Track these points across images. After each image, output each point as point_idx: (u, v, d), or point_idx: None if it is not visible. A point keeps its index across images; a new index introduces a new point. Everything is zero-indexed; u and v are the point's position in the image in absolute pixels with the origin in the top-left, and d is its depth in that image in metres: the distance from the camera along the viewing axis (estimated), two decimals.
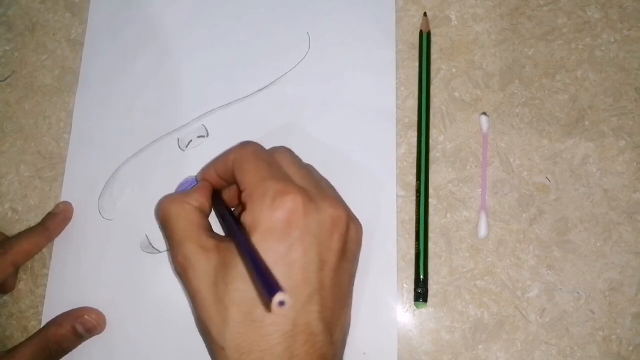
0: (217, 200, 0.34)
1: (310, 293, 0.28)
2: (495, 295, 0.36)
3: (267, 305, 0.25)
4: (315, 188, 0.31)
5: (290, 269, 0.28)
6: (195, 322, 0.33)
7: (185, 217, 0.31)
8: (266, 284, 0.25)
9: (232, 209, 0.35)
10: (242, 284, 0.28)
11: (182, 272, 0.30)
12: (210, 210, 0.34)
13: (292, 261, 0.28)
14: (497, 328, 0.35)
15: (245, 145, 0.32)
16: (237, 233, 0.29)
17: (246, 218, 0.29)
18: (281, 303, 0.24)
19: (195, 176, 0.36)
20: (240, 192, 0.31)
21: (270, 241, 0.28)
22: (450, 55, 0.40)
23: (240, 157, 0.31)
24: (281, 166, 0.31)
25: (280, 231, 0.28)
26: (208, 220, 0.33)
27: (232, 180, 0.32)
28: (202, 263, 0.30)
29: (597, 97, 0.39)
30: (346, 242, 0.30)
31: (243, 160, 0.31)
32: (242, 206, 0.31)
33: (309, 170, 0.33)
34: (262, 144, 0.38)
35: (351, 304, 0.32)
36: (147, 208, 0.38)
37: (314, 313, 0.28)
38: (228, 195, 0.35)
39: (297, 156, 0.34)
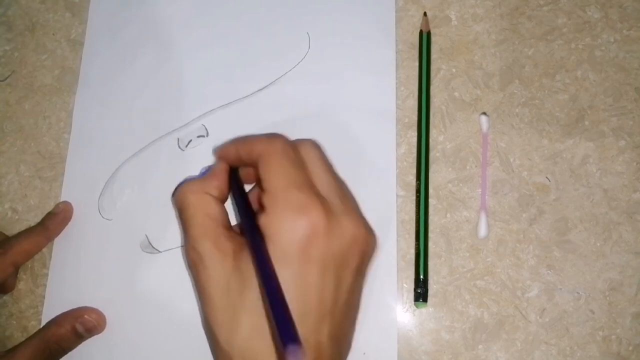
0: (234, 181, 0.32)
1: (324, 314, 0.27)
2: (495, 295, 0.36)
3: (280, 352, 0.24)
4: (339, 199, 0.30)
5: (306, 289, 0.27)
6: (202, 321, 0.33)
7: (203, 211, 0.30)
8: (284, 331, 0.24)
9: (247, 190, 0.34)
10: (257, 296, 0.27)
11: (193, 268, 0.30)
12: (229, 194, 0.33)
13: (308, 282, 0.27)
14: (497, 328, 0.35)
15: (274, 139, 0.31)
16: (256, 250, 0.28)
17: (265, 225, 0.28)
18: (294, 354, 0.23)
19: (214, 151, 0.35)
20: (258, 179, 0.30)
21: (288, 258, 0.27)
22: (450, 55, 0.40)
23: (268, 152, 0.30)
24: (307, 167, 0.30)
25: (300, 250, 0.27)
26: (227, 214, 0.32)
27: (251, 165, 0.31)
28: (218, 267, 0.29)
29: (597, 97, 0.39)
30: (364, 257, 0.30)
31: (271, 156, 0.30)
32: (261, 207, 0.29)
33: (334, 176, 0.31)
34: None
35: (358, 313, 0.31)
36: (147, 208, 0.38)
37: (325, 331, 0.27)
38: (244, 173, 0.34)
39: (324, 154, 0.32)
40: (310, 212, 0.28)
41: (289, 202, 0.28)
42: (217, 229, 0.30)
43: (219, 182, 0.32)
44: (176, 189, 0.35)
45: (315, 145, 0.32)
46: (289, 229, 0.27)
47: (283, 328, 0.24)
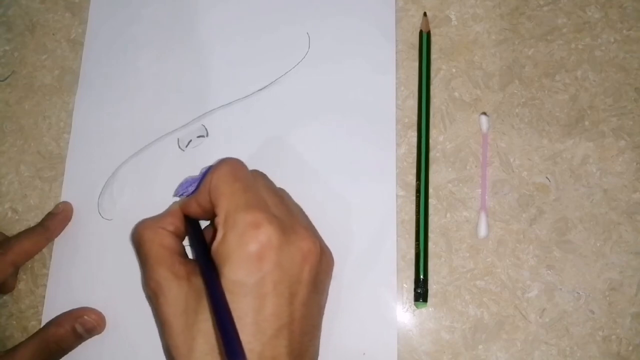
0: (191, 228, 0.33)
1: (279, 327, 0.28)
2: (495, 295, 0.36)
3: None
4: (288, 217, 0.30)
5: (260, 302, 0.27)
6: (163, 348, 0.33)
7: (159, 243, 0.31)
8: (230, 349, 0.25)
9: (204, 226, 0.35)
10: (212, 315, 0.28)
11: (153, 297, 0.30)
12: (186, 233, 0.33)
13: (262, 295, 0.28)
14: (497, 328, 0.35)
15: (223, 164, 0.31)
16: (207, 276, 0.29)
17: (217, 247, 0.29)
18: None
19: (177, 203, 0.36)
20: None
21: (242, 275, 0.28)
22: (450, 55, 0.40)
23: (217, 176, 0.30)
24: (258, 189, 0.31)
25: (252, 265, 0.28)
26: (182, 245, 0.33)
27: (212, 210, 0.31)
28: (173, 290, 0.30)
29: (597, 97, 0.39)
30: (317, 274, 0.30)
31: (219, 180, 0.30)
32: (213, 230, 0.30)
33: (282, 197, 0.32)
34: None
35: (320, 334, 0.32)
36: (147, 208, 0.38)
37: (281, 347, 0.28)
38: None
39: (270, 181, 0.33)
40: (260, 229, 0.28)
41: (238, 222, 0.28)
42: (171, 256, 0.31)
43: (174, 219, 0.33)
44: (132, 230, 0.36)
45: (263, 175, 0.33)
46: (240, 246, 0.28)
47: (228, 345, 0.25)
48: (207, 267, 0.29)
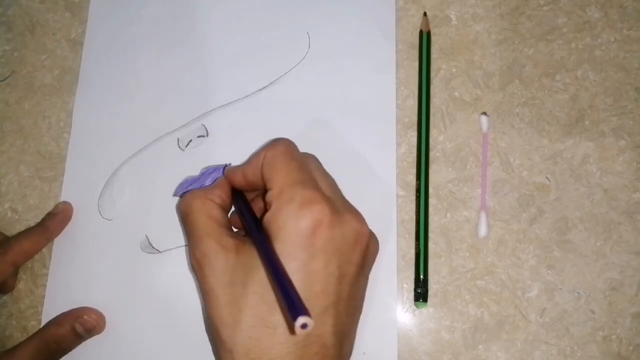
0: (239, 199, 0.33)
1: (327, 305, 0.28)
2: (495, 295, 0.36)
3: (291, 327, 0.24)
4: (340, 200, 0.31)
5: (310, 279, 0.27)
6: (204, 321, 0.33)
7: (206, 214, 0.31)
8: (291, 305, 0.25)
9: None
10: (260, 288, 0.28)
11: (198, 268, 0.30)
12: (231, 206, 0.33)
13: (312, 272, 0.28)
14: (497, 328, 0.35)
15: (278, 142, 0.32)
16: (260, 241, 0.29)
17: (270, 220, 0.29)
18: (304, 326, 0.24)
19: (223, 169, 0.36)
20: (264, 192, 0.30)
21: (293, 249, 0.28)
22: (450, 55, 0.40)
23: (273, 154, 0.31)
24: (311, 170, 0.31)
25: (305, 240, 0.28)
26: (228, 219, 0.33)
27: (258, 184, 0.32)
28: (221, 262, 0.29)
29: (597, 97, 0.39)
30: (366, 256, 0.30)
31: (275, 157, 0.31)
32: (265, 205, 0.30)
33: (333, 181, 0.33)
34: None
35: (360, 317, 0.32)
36: (147, 208, 0.38)
37: (327, 326, 0.28)
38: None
39: (321, 164, 0.33)
40: (315, 205, 0.28)
41: (294, 197, 0.29)
42: (219, 228, 0.31)
43: (222, 192, 0.33)
44: (180, 196, 0.36)
45: (315, 158, 0.33)
46: (294, 220, 0.28)
47: (290, 303, 0.25)
48: (260, 234, 0.29)
